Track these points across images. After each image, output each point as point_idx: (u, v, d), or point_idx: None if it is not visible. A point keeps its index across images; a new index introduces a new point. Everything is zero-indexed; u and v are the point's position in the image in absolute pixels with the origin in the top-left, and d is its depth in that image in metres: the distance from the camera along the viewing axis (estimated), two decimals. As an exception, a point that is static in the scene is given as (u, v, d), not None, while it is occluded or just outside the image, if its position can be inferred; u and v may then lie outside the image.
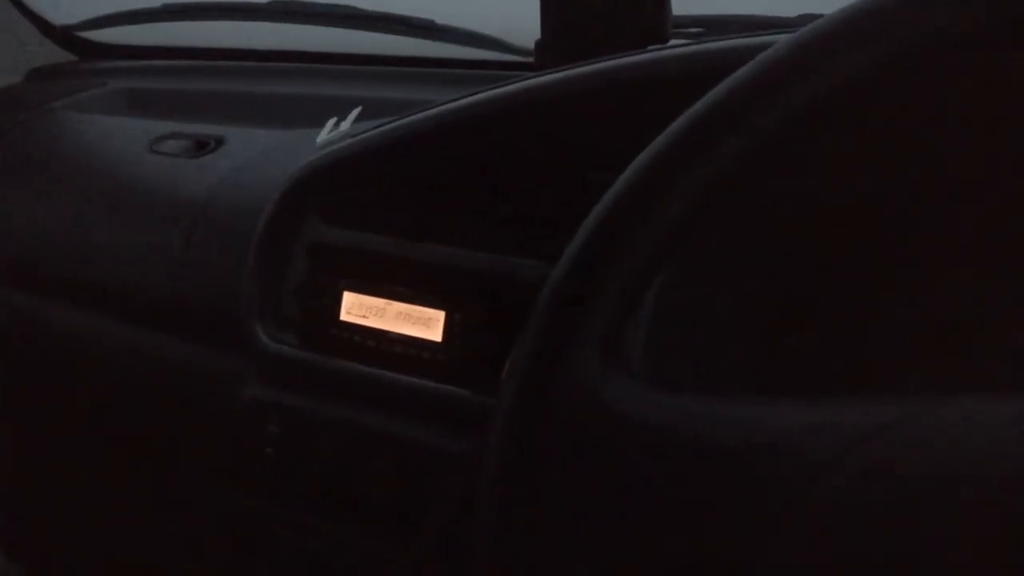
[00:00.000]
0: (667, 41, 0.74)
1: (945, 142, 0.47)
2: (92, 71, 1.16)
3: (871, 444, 0.29)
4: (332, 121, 0.70)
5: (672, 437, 0.32)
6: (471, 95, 0.61)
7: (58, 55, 1.20)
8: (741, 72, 0.37)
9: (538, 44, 0.74)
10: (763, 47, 0.38)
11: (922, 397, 0.33)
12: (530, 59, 0.77)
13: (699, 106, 0.38)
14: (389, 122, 0.64)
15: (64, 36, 1.20)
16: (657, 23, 0.72)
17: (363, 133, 0.65)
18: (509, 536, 0.35)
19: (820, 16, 0.88)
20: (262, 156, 0.78)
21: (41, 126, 0.99)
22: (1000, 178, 0.48)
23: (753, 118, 0.37)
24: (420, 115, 0.62)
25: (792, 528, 0.30)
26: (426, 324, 0.61)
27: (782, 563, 0.30)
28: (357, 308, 0.64)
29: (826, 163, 0.49)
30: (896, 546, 0.28)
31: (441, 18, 1.04)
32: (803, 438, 0.30)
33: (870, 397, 0.33)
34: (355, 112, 0.70)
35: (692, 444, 0.32)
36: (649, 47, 0.73)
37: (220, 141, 0.83)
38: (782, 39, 0.38)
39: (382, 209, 0.65)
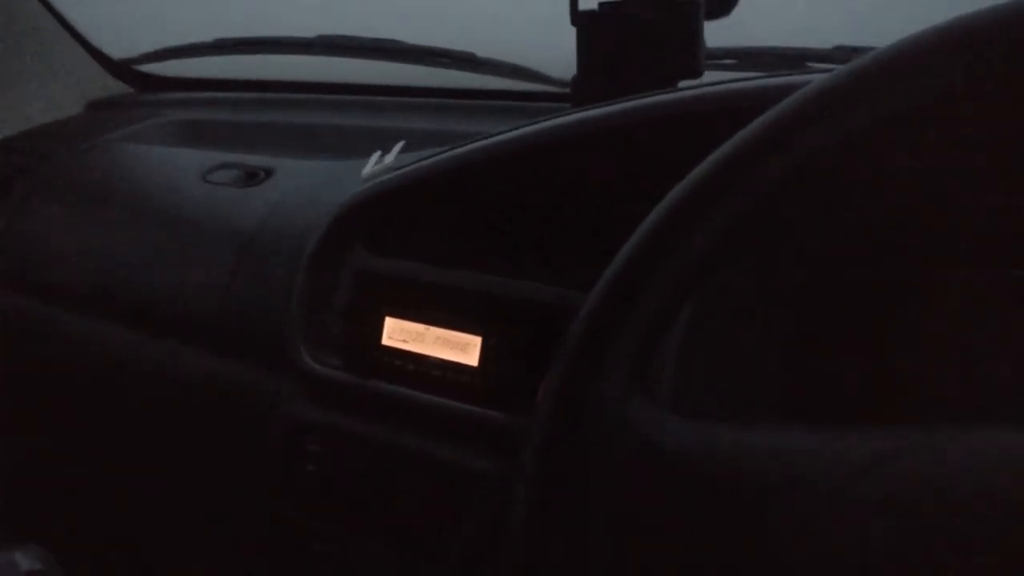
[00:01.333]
0: (700, 75, 0.76)
1: (966, 175, 0.48)
2: (148, 103, 1.21)
3: (879, 473, 0.31)
4: (377, 154, 0.73)
5: (694, 464, 0.34)
6: (508, 131, 0.63)
7: (116, 87, 1.26)
8: (773, 111, 0.38)
9: (574, 80, 0.77)
10: (794, 87, 0.40)
11: (935, 427, 0.34)
12: (567, 90, 0.79)
13: (729, 145, 0.39)
14: (430, 156, 0.67)
15: (122, 69, 1.25)
16: (690, 58, 0.74)
17: (406, 166, 0.68)
18: (538, 556, 0.37)
19: (852, 49, 0.90)
20: (309, 187, 0.81)
21: (98, 156, 1.04)
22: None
23: (783, 157, 0.38)
24: (460, 150, 0.65)
25: (803, 555, 0.31)
26: (463, 349, 0.63)
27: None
28: (398, 333, 0.66)
29: (849, 196, 0.51)
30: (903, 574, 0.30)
31: (481, 51, 1.07)
32: (816, 467, 0.32)
33: (884, 426, 0.35)
34: (399, 146, 0.73)
35: (712, 471, 0.33)
36: (682, 82, 0.75)
37: (269, 172, 0.87)
38: (815, 78, 0.39)
39: (423, 238, 0.68)
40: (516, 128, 0.63)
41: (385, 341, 0.66)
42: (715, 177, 0.38)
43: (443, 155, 0.66)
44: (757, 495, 0.33)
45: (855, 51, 0.83)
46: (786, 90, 0.40)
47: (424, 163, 0.67)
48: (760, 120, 0.39)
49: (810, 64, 0.86)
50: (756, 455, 0.33)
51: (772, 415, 0.47)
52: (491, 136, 0.64)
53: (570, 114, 0.61)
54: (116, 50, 1.25)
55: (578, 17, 0.76)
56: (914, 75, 0.34)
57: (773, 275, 0.51)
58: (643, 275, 0.39)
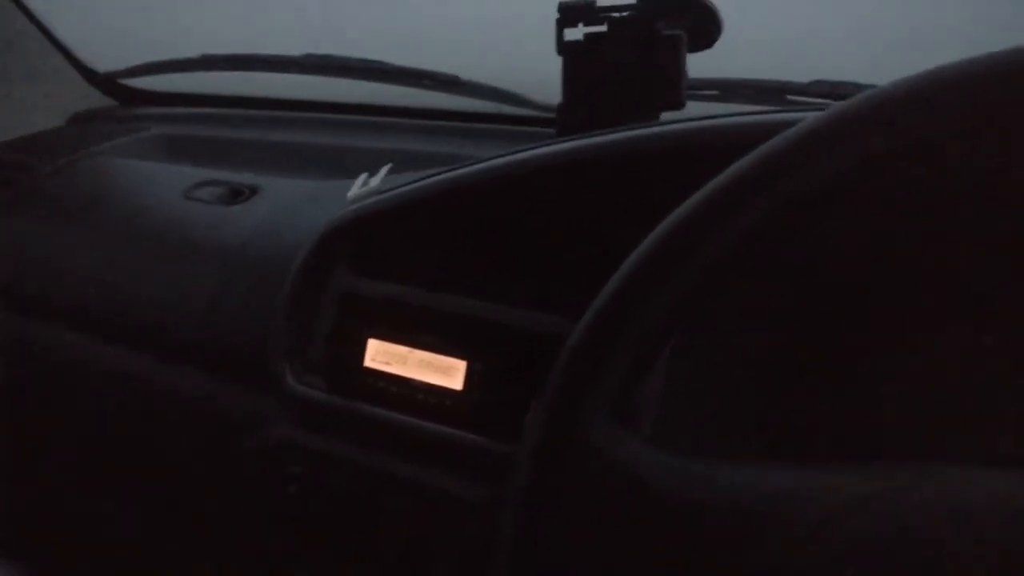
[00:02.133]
0: (683, 106, 0.77)
1: (947, 218, 0.50)
2: (132, 117, 1.21)
3: (856, 513, 0.32)
4: (363, 176, 0.73)
5: (674, 498, 0.35)
6: (496, 157, 0.64)
7: (100, 101, 1.26)
8: (760, 150, 0.39)
9: (560, 108, 0.78)
10: (775, 125, 0.41)
11: (914, 467, 0.35)
12: (551, 114, 0.81)
13: (713, 185, 0.40)
14: (417, 180, 0.67)
15: (106, 83, 1.25)
16: (673, 90, 0.76)
17: (391, 190, 0.68)
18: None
19: (832, 84, 0.91)
20: (294, 207, 0.81)
21: (81, 169, 1.04)
22: (1001, 252, 0.51)
23: (768, 196, 0.39)
24: (447, 175, 0.66)
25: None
26: (447, 373, 0.64)
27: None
28: (381, 355, 0.67)
29: (832, 236, 0.52)
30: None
31: (465, 73, 1.09)
32: (793, 505, 0.33)
33: (864, 465, 0.36)
34: (385, 169, 0.73)
35: (691, 506, 0.34)
36: (665, 113, 0.77)
37: (254, 190, 0.87)
38: (800, 117, 0.40)
39: (408, 261, 0.69)
40: (503, 155, 0.64)
41: (368, 363, 0.67)
42: (699, 217, 0.39)
43: (430, 179, 0.67)
44: (734, 530, 0.33)
45: (834, 86, 0.85)
46: (768, 128, 0.41)
47: (411, 187, 0.67)
48: (744, 161, 0.40)
49: (790, 97, 0.88)
50: (734, 491, 0.34)
51: (754, 451, 0.48)
52: (478, 161, 0.65)
53: (557, 143, 0.62)
54: (101, 63, 1.24)
55: (564, 47, 0.77)
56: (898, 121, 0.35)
57: (756, 312, 0.52)
58: (628, 311, 0.40)
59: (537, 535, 0.37)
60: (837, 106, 0.37)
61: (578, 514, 0.37)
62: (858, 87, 0.84)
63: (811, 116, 0.39)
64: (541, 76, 0.84)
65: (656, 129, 0.58)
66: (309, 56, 1.12)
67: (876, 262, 0.53)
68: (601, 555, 0.36)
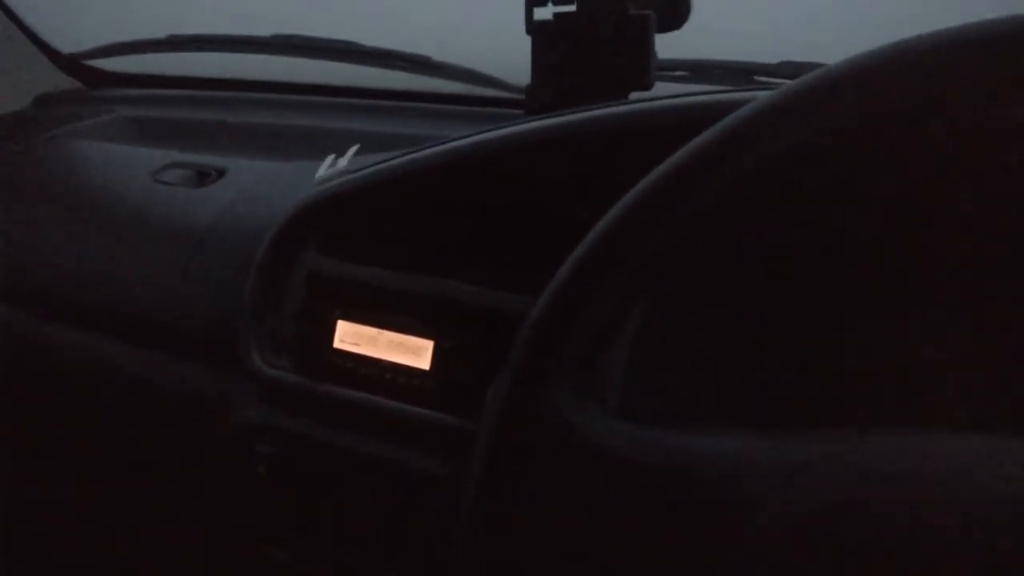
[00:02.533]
0: (651, 87, 0.78)
1: (907, 189, 0.50)
2: (98, 99, 1.19)
3: (807, 477, 0.32)
4: (331, 157, 0.73)
5: (633, 467, 0.35)
6: (462, 138, 0.64)
7: (65, 82, 1.24)
8: (718, 126, 0.40)
9: (529, 88, 0.78)
10: (737, 103, 0.41)
11: (870, 432, 0.36)
12: (523, 96, 0.81)
13: (671, 160, 0.41)
14: (384, 161, 0.67)
15: (71, 64, 1.23)
16: (642, 70, 0.76)
17: (359, 171, 0.68)
18: (485, 557, 0.38)
19: (798, 64, 0.92)
20: (262, 189, 0.81)
21: (46, 152, 1.02)
22: (959, 224, 0.52)
23: (725, 170, 0.39)
24: (413, 156, 0.65)
25: (734, 553, 0.32)
26: (415, 352, 0.64)
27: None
28: (350, 336, 0.67)
29: (795, 206, 0.53)
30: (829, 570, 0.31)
31: (437, 54, 1.08)
32: (746, 470, 0.33)
33: (820, 430, 0.36)
34: (352, 150, 0.73)
35: (650, 474, 0.35)
36: (633, 93, 0.77)
37: (221, 172, 0.86)
38: (759, 95, 0.41)
39: (376, 242, 0.68)
40: (470, 135, 0.64)
41: (337, 344, 0.67)
42: (657, 191, 0.39)
43: (397, 160, 0.66)
44: (691, 497, 0.34)
45: (799, 67, 0.86)
46: (730, 106, 0.41)
47: (378, 167, 0.67)
48: (704, 135, 0.40)
49: (758, 78, 0.89)
50: (691, 458, 0.35)
51: (717, 420, 0.48)
52: (445, 142, 0.65)
53: (523, 123, 0.62)
54: (65, 44, 1.22)
55: (533, 27, 0.77)
56: (852, 98, 0.36)
57: (716, 282, 0.53)
58: (588, 284, 0.40)
59: (498, 505, 0.38)
60: (791, 83, 0.38)
61: (538, 483, 0.37)
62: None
63: (765, 93, 0.39)
64: (513, 57, 0.84)
65: (619, 109, 0.58)
66: (277, 36, 1.11)
67: (835, 235, 0.54)
68: (561, 523, 0.37)
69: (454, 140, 0.64)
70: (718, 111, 0.41)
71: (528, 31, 0.78)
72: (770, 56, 0.92)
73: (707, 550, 0.33)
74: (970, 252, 0.51)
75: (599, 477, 0.36)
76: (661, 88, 0.80)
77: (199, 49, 1.15)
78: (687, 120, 0.54)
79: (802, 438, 0.34)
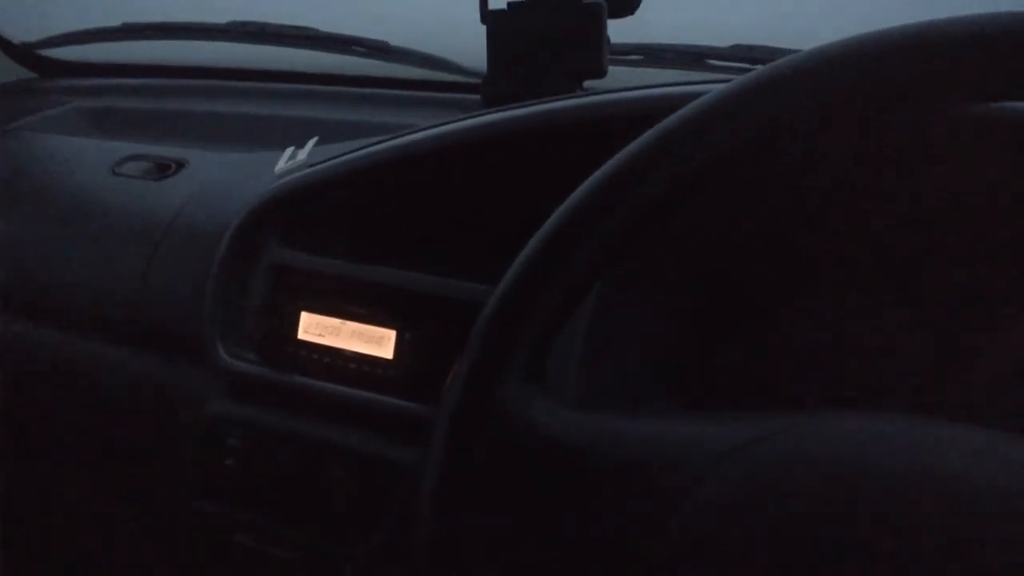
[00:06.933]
0: (605, 73, 0.79)
1: (858, 180, 0.52)
2: (52, 89, 1.18)
3: (739, 457, 0.34)
4: (290, 150, 0.74)
5: (581, 453, 0.37)
6: (421, 130, 0.65)
7: (17, 73, 1.22)
8: (672, 117, 0.41)
9: (485, 78, 0.79)
10: (691, 96, 0.42)
11: (812, 414, 0.38)
12: (480, 80, 0.82)
13: (628, 149, 0.42)
14: (344, 153, 0.68)
15: (24, 53, 1.21)
16: (595, 57, 0.78)
17: (319, 163, 0.69)
18: (444, 541, 0.40)
19: (749, 47, 0.94)
20: (223, 181, 0.81)
21: (1, 145, 1.01)
22: (900, 214, 0.54)
23: (667, 168, 0.41)
24: (373, 148, 0.66)
25: (677, 531, 0.35)
26: (378, 342, 0.65)
27: (671, 560, 0.34)
28: (314, 327, 0.68)
29: (747, 194, 0.54)
30: (768, 551, 0.33)
31: (396, 40, 1.08)
32: (682, 452, 0.35)
33: (762, 413, 0.38)
34: (312, 142, 0.74)
35: (596, 459, 0.37)
36: (586, 82, 0.79)
37: (181, 164, 0.86)
38: (713, 89, 0.42)
39: (338, 234, 0.70)
40: (427, 127, 0.65)
41: (301, 335, 0.68)
42: (602, 189, 0.40)
43: (357, 152, 0.67)
44: (632, 479, 0.36)
45: (751, 50, 0.88)
46: (682, 99, 0.43)
47: (338, 160, 0.68)
48: (652, 130, 0.42)
49: (710, 61, 0.90)
50: (632, 442, 0.37)
51: (666, 405, 0.50)
52: (404, 134, 0.66)
53: (479, 116, 0.63)
54: (17, 34, 1.20)
55: (487, 16, 0.78)
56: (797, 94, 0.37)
57: (667, 271, 0.55)
58: (541, 276, 0.42)
59: (454, 492, 0.40)
60: (726, 85, 0.39)
61: (492, 470, 0.39)
62: (773, 51, 0.87)
63: (714, 87, 0.41)
64: (471, 42, 0.85)
65: (573, 102, 0.60)
66: (233, 23, 1.10)
67: (787, 225, 0.56)
68: (517, 510, 0.39)
69: (412, 133, 0.65)
70: (673, 104, 0.42)
71: (482, 20, 0.79)
72: (722, 39, 0.94)
73: (644, 534, 0.35)
74: (910, 241, 0.54)
75: (549, 464, 0.38)
76: (615, 73, 0.82)
77: (155, 37, 1.14)
78: (643, 112, 0.55)
79: (738, 423, 0.36)
